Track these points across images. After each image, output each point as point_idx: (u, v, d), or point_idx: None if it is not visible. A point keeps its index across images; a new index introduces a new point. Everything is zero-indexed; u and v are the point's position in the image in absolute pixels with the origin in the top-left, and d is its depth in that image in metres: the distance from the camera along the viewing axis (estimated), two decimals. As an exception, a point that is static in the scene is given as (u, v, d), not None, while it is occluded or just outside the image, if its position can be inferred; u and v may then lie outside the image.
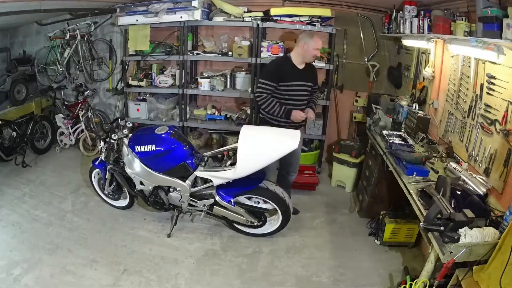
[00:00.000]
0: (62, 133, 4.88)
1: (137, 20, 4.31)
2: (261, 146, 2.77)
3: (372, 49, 4.59)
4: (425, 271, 2.04)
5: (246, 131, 2.82)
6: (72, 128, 4.80)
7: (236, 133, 2.86)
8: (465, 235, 1.78)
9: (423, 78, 3.53)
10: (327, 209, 3.75)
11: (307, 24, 4.12)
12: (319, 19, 4.12)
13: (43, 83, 4.96)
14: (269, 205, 3.05)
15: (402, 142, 3.05)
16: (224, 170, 2.91)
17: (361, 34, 4.55)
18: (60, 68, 4.76)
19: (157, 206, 3.17)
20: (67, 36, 4.64)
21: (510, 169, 2.12)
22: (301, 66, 3.19)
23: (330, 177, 4.37)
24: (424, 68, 3.47)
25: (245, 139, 2.74)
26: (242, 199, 3.06)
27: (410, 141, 3.13)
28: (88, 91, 4.81)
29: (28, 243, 2.96)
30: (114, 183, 3.40)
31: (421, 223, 1.98)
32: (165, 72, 4.71)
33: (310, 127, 4.43)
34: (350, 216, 3.64)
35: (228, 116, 4.69)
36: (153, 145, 2.96)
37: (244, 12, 4.27)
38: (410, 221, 2.95)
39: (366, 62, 4.63)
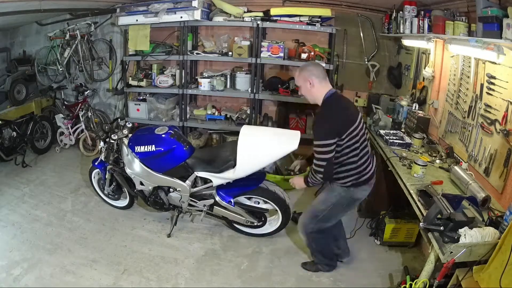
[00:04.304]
0: (62, 133, 4.88)
1: (137, 20, 4.31)
2: (261, 146, 2.77)
3: (372, 49, 4.59)
4: (425, 271, 2.04)
5: (246, 131, 2.81)
6: (72, 128, 4.80)
7: (236, 133, 2.85)
8: (465, 235, 1.77)
9: (423, 78, 3.53)
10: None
11: (307, 24, 4.12)
12: (319, 19, 4.12)
13: (43, 83, 4.96)
14: (269, 205, 3.05)
15: (399, 141, 3.07)
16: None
17: (361, 34, 4.55)
18: (60, 68, 4.76)
19: (157, 206, 3.16)
20: (67, 36, 4.64)
21: (510, 169, 2.12)
22: None
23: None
24: (424, 68, 3.46)
25: (245, 139, 2.73)
26: (242, 199, 3.06)
27: (407, 139, 3.14)
28: (88, 91, 4.81)
29: (28, 243, 2.96)
30: (114, 183, 3.40)
31: (421, 223, 1.98)
32: (165, 72, 4.71)
33: (310, 127, 4.43)
34: (350, 216, 3.63)
35: (228, 116, 4.69)
36: (153, 146, 2.95)
37: (244, 12, 4.27)
38: (410, 221, 2.95)
39: (366, 62, 4.63)
